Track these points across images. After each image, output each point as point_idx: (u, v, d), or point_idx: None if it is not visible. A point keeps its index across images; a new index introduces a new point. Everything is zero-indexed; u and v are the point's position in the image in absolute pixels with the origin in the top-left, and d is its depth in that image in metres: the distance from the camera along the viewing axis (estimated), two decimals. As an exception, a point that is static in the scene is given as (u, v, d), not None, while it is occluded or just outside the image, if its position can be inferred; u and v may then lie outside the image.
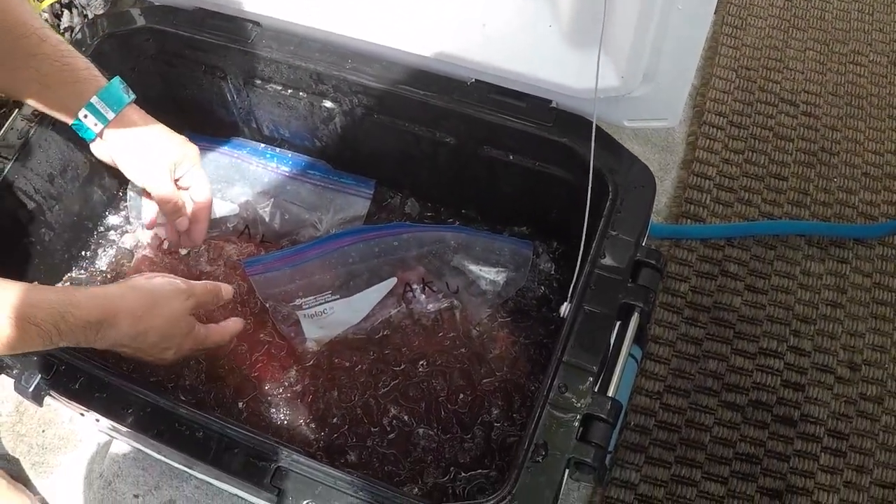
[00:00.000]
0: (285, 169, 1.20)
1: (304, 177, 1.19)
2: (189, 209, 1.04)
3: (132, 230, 1.18)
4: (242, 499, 1.10)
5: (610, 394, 0.81)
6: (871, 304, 1.32)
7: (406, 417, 1.01)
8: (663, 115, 0.95)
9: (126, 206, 1.19)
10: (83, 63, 0.93)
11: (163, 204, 1.01)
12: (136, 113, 0.97)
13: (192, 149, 1.02)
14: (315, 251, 1.06)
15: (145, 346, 0.89)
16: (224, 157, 1.20)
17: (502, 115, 0.97)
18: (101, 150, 0.99)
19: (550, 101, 0.97)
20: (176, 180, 1.02)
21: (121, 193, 1.20)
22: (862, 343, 1.29)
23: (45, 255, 1.10)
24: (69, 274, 1.14)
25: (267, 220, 1.16)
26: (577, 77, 0.91)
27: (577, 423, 0.78)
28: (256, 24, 1.06)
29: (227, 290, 1.00)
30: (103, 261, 1.16)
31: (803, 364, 1.27)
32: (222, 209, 1.16)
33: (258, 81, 1.09)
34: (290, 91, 1.08)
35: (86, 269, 1.15)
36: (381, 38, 1.00)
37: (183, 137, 1.02)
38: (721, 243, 1.35)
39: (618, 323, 0.86)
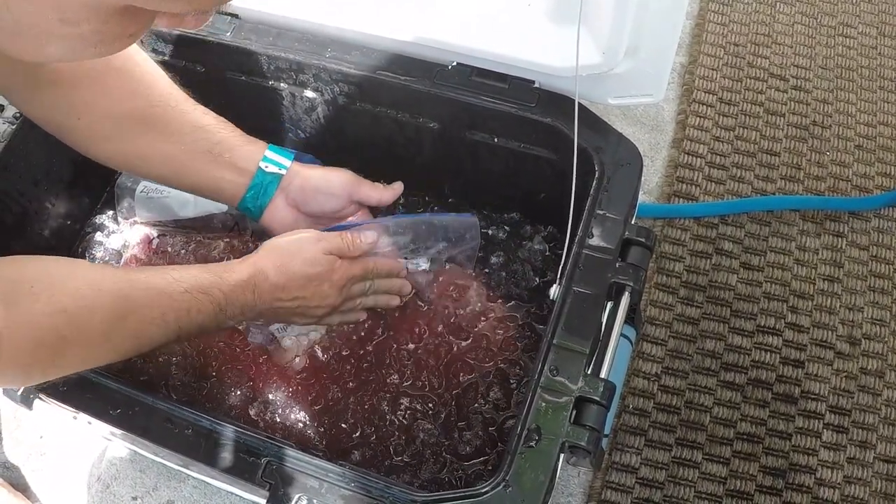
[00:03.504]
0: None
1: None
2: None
3: (119, 230, 1.17)
4: (240, 497, 1.09)
5: (603, 375, 0.80)
6: (869, 278, 1.31)
7: (403, 411, 1.01)
8: (648, 91, 0.94)
9: (113, 206, 1.18)
10: (238, 130, 0.96)
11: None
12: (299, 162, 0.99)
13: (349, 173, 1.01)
14: None
15: (300, 293, 0.91)
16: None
17: (485, 98, 0.96)
18: (279, 209, 0.98)
19: (533, 82, 0.96)
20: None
21: (107, 193, 1.19)
22: (861, 317, 1.28)
23: (32, 259, 1.09)
24: (57, 277, 1.13)
25: (255, 215, 1.14)
26: (559, 55, 0.90)
27: (570, 407, 0.77)
28: (235, 16, 1.05)
29: (366, 237, 0.98)
30: (91, 262, 1.15)
31: (802, 340, 1.26)
32: (210, 206, 1.15)
33: (238, 74, 1.08)
34: (270, 83, 1.07)
35: (74, 272, 1.14)
36: (360, 24, 0.99)
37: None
38: (715, 221, 1.34)
39: (608, 303, 0.85)
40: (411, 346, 1.03)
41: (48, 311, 0.70)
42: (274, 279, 0.89)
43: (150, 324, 0.78)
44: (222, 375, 1.03)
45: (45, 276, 0.73)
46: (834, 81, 1.49)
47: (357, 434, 0.99)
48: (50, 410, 0.87)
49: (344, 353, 1.03)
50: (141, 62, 0.90)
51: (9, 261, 0.71)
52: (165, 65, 1.11)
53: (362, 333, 1.04)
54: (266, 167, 0.95)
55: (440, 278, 1.06)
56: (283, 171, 0.96)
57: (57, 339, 0.70)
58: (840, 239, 1.34)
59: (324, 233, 0.95)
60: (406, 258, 1.02)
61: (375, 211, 1.04)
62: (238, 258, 1.11)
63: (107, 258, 1.15)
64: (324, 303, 0.94)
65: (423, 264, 1.04)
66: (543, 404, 0.78)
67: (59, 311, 0.70)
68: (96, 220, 1.18)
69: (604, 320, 0.84)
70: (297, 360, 1.02)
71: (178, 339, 0.82)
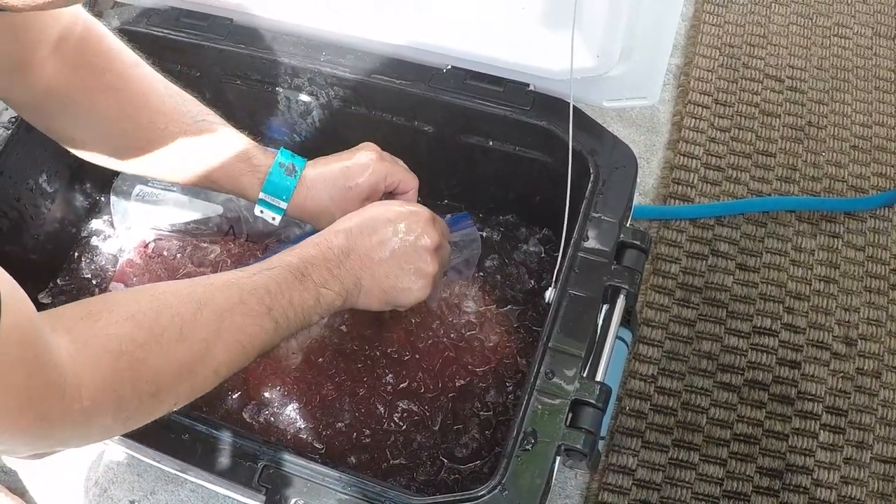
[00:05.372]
0: (267, 166, 1.18)
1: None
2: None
3: (115, 235, 1.17)
4: (237, 500, 1.09)
5: (598, 378, 0.80)
6: (865, 278, 1.31)
7: (400, 414, 1.01)
8: (642, 94, 0.94)
9: (109, 211, 1.18)
10: (240, 149, 0.90)
11: None
12: (309, 177, 0.91)
13: (373, 168, 0.92)
14: None
15: (391, 232, 0.84)
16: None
17: (480, 101, 0.96)
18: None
19: (528, 85, 0.96)
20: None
21: (103, 198, 1.19)
22: (857, 318, 1.28)
23: (28, 264, 1.10)
24: (53, 282, 1.14)
25: (251, 219, 1.14)
26: (553, 58, 0.90)
27: (565, 410, 0.77)
28: (229, 20, 1.05)
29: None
30: (87, 267, 1.15)
31: (798, 341, 1.26)
32: (205, 209, 1.15)
33: (234, 78, 1.08)
34: (266, 86, 1.08)
35: (70, 277, 1.14)
36: (355, 28, 0.99)
37: (362, 158, 0.92)
38: (710, 223, 1.34)
39: (604, 306, 0.85)
40: (407, 348, 1.03)
41: (113, 321, 0.65)
42: (354, 223, 0.83)
43: (230, 312, 0.72)
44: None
45: (101, 301, 0.69)
46: (829, 82, 1.49)
47: (354, 437, 0.99)
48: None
49: (339, 356, 1.03)
50: (134, 78, 0.87)
51: (69, 305, 0.67)
52: (160, 69, 1.11)
53: (356, 335, 1.04)
54: (261, 213, 0.92)
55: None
56: (279, 216, 0.91)
57: (132, 345, 0.65)
58: (836, 240, 1.34)
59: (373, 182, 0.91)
60: None
61: None
62: (234, 261, 1.12)
63: (102, 263, 1.15)
64: (425, 240, 0.85)
65: None
66: (539, 407, 0.78)
67: (125, 319, 0.66)
68: (92, 225, 1.18)
69: (599, 323, 0.84)
70: (294, 356, 1.02)
71: (278, 325, 0.76)
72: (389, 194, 0.95)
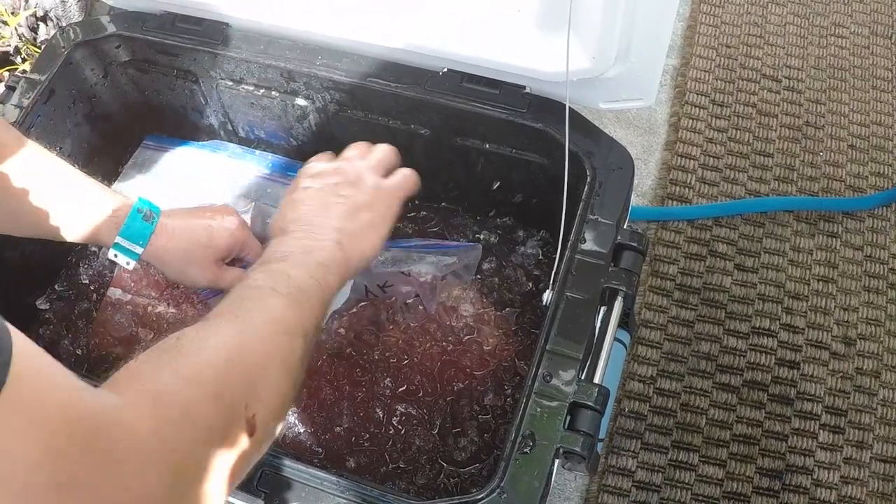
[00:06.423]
0: (265, 171, 1.18)
1: (284, 179, 1.18)
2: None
3: (113, 240, 1.17)
4: (236, 505, 1.09)
5: (596, 380, 0.80)
6: (863, 278, 1.31)
7: (398, 417, 1.00)
8: (639, 96, 0.93)
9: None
10: (96, 197, 0.90)
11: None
12: (170, 227, 0.92)
13: (234, 235, 0.94)
14: None
15: (324, 178, 0.87)
16: (203, 160, 1.19)
17: (476, 104, 0.96)
18: None
19: (524, 87, 0.95)
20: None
21: (100, 204, 1.19)
22: (856, 317, 1.28)
23: (26, 270, 1.09)
24: (52, 287, 1.13)
25: (248, 224, 1.14)
26: (549, 61, 0.90)
27: (564, 412, 0.77)
28: (225, 24, 1.05)
29: None
30: (85, 273, 1.15)
31: (797, 341, 1.26)
32: (202, 214, 1.15)
33: (230, 83, 1.08)
34: (262, 91, 1.07)
35: (68, 283, 1.14)
36: (350, 32, 0.99)
37: (225, 223, 0.94)
38: (708, 223, 1.34)
39: (602, 308, 0.85)
40: (405, 352, 1.03)
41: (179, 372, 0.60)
42: (349, 227, 0.83)
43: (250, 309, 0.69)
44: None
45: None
46: (826, 81, 1.49)
47: (352, 441, 0.99)
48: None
49: (337, 360, 1.03)
50: None
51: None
52: (158, 75, 1.11)
53: (354, 338, 1.04)
54: (115, 257, 0.91)
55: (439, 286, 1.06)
56: (134, 261, 0.90)
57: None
58: (834, 239, 1.34)
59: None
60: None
61: None
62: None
63: (100, 268, 1.15)
64: (356, 175, 0.88)
65: (427, 273, 1.04)
66: (538, 410, 0.78)
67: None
68: (90, 231, 1.18)
69: (597, 325, 0.84)
70: None
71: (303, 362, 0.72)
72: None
